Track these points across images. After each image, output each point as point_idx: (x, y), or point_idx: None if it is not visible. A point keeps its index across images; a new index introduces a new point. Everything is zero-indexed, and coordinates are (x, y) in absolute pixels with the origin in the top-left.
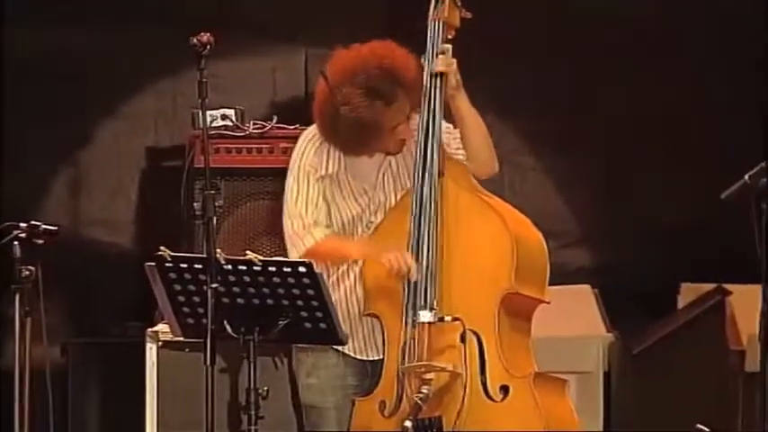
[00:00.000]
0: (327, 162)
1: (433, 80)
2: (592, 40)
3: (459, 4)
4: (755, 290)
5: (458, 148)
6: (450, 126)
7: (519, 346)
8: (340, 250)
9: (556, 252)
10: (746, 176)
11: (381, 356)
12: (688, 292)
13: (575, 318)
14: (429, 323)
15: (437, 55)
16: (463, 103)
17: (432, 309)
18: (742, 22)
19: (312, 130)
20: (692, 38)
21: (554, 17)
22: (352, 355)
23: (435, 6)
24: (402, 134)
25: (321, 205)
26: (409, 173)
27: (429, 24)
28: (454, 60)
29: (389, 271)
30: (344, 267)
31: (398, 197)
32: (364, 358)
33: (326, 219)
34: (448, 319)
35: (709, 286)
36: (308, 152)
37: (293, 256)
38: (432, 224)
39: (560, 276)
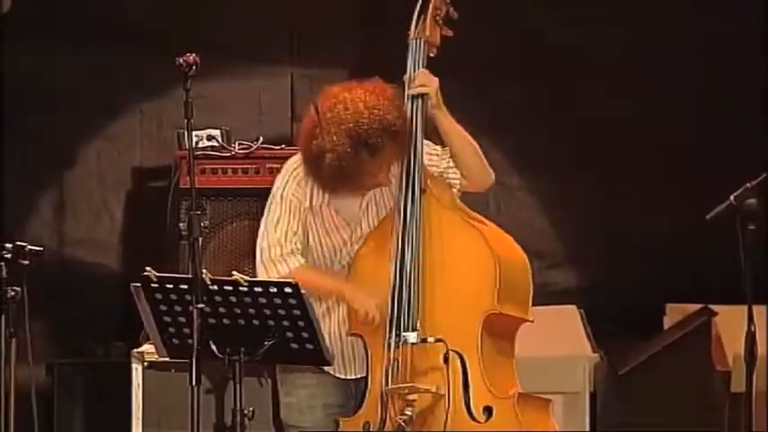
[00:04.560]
0: (311, 194)
1: (414, 101)
2: (578, 63)
3: (441, 22)
4: (741, 310)
5: (448, 167)
6: (438, 147)
7: (502, 366)
8: (314, 284)
9: (541, 272)
10: (732, 197)
11: (363, 375)
12: (673, 313)
13: (560, 338)
14: (412, 344)
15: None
16: (445, 121)
17: (414, 329)
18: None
19: (295, 160)
20: (682, 60)
21: (540, 42)
22: (333, 373)
23: (416, 25)
24: (381, 180)
25: (300, 235)
26: (393, 200)
27: (410, 43)
28: (435, 79)
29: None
30: None
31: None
32: (345, 377)
33: (303, 248)
34: (431, 339)
35: (695, 307)
36: (292, 183)
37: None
38: (415, 244)
39: (546, 296)
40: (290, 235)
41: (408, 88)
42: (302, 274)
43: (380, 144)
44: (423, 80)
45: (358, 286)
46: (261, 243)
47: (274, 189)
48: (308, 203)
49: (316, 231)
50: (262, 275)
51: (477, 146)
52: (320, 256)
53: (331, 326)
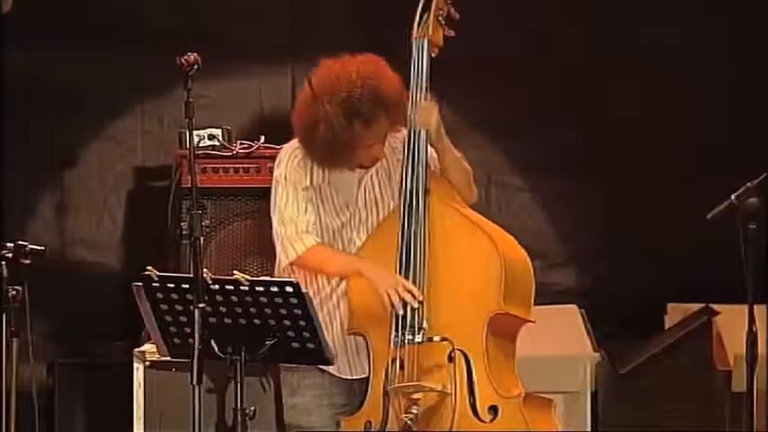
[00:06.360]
0: (311, 174)
1: (417, 100)
2: (580, 63)
3: (443, 22)
4: (742, 310)
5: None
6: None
7: (506, 366)
8: (332, 263)
9: (543, 272)
10: (733, 197)
11: (367, 375)
12: (675, 313)
13: (562, 337)
14: (417, 343)
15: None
16: (447, 155)
17: (420, 329)
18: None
19: (293, 143)
20: (685, 62)
21: (542, 41)
22: (336, 374)
23: (419, 25)
24: (377, 152)
25: (310, 212)
26: (391, 189)
27: (413, 43)
28: (435, 114)
29: (388, 305)
30: (327, 289)
31: (379, 214)
32: (348, 377)
33: (315, 227)
34: (436, 338)
35: (696, 306)
36: (291, 164)
37: (283, 261)
38: (419, 242)
39: (547, 296)
40: (301, 213)
41: (412, 107)
42: (318, 251)
43: (374, 114)
44: (425, 117)
45: (374, 263)
46: (276, 227)
47: (276, 174)
48: (308, 183)
49: (317, 211)
50: (281, 257)
51: (470, 169)
52: (320, 238)
53: (335, 325)
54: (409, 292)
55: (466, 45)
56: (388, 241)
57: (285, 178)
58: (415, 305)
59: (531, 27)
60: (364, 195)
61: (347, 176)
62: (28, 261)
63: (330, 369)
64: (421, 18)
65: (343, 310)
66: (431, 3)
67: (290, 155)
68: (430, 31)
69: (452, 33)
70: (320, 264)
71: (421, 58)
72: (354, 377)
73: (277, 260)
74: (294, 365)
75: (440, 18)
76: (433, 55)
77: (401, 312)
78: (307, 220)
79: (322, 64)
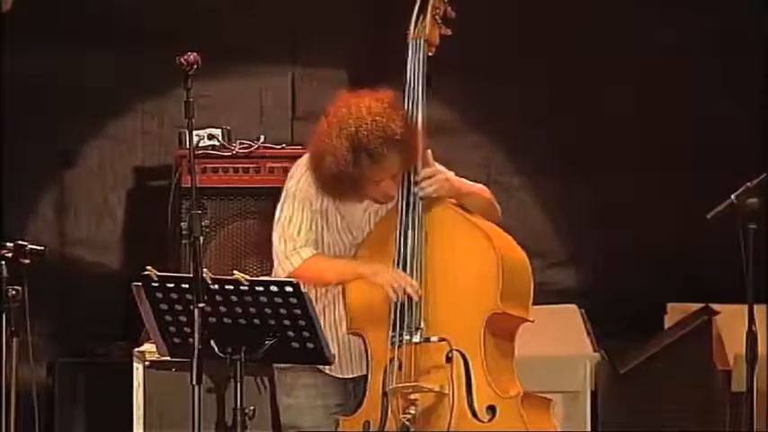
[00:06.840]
0: (321, 196)
1: (411, 95)
2: (578, 63)
3: (439, 21)
4: (742, 310)
5: None
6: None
7: (504, 365)
8: (330, 271)
9: (543, 272)
10: (732, 197)
11: (360, 374)
12: (674, 312)
13: (561, 337)
14: (415, 343)
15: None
16: (463, 197)
17: (418, 329)
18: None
19: (307, 160)
20: (682, 61)
21: (540, 42)
22: (329, 373)
23: (416, 25)
24: (388, 188)
25: (312, 231)
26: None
27: (410, 43)
28: (439, 178)
29: (390, 296)
30: (323, 288)
31: None
32: (341, 376)
33: (315, 244)
34: (434, 339)
35: (696, 306)
36: (303, 183)
37: (280, 275)
38: (417, 242)
39: (547, 296)
40: (303, 230)
41: (407, 103)
42: (314, 262)
43: (381, 152)
44: (433, 184)
45: (372, 263)
46: (275, 243)
47: (286, 187)
48: (318, 205)
49: (320, 233)
50: (277, 271)
51: (489, 195)
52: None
53: (328, 323)
54: (410, 285)
55: (463, 44)
56: (386, 241)
57: (294, 194)
58: (416, 298)
59: (530, 27)
60: (369, 219)
61: (354, 203)
62: (28, 261)
63: (325, 368)
64: (417, 17)
65: (338, 309)
66: (427, 2)
67: (303, 173)
68: (426, 31)
69: (449, 32)
70: (319, 273)
71: (417, 58)
72: (347, 376)
73: (273, 272)
74: (287, 365)
75: (436, 17)
76: (429, 54)
77: (404, 298)
78: (306, 238)
79: (340, 97)
